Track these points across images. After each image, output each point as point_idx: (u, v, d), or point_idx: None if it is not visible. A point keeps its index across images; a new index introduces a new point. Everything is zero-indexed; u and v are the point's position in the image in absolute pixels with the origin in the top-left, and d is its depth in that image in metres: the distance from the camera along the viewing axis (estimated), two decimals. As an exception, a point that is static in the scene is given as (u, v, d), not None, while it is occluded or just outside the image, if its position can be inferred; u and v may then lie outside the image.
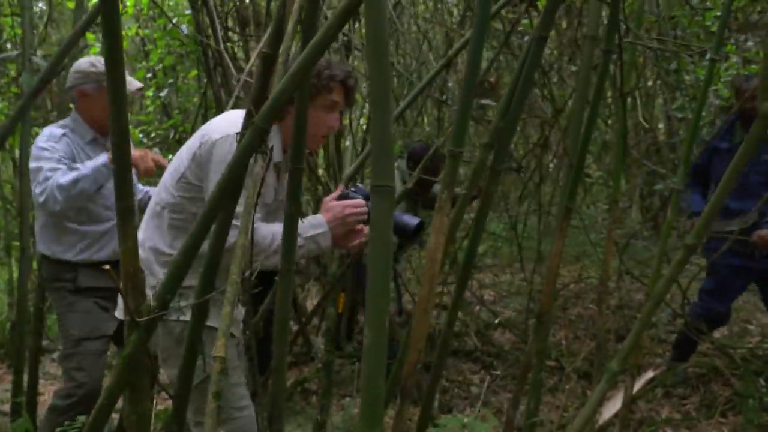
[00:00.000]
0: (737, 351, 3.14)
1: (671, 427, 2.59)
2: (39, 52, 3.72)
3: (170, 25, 3.91)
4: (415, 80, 3.49)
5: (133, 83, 2.34)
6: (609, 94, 4.34)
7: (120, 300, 1.66)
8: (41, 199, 2.15)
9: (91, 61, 2.31)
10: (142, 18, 4.58)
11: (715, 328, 3.01)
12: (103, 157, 2.17)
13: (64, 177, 2.13)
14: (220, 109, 3.39)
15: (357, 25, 3.33)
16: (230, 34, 3.83)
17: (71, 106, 4.33)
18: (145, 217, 1.66)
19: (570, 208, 1.56)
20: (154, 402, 2.24)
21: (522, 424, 1.72)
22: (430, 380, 1.58)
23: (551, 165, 4.88)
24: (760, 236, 2.67)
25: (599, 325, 2.04)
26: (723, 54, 3.80)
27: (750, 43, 4.11)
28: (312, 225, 1.60)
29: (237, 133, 1.15)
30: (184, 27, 3.92)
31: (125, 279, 1.01)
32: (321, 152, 3.46)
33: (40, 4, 5.58)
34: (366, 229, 1.61)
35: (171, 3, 4.51)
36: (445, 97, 3.61)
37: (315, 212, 2.45)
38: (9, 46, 4.49)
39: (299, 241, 1.54)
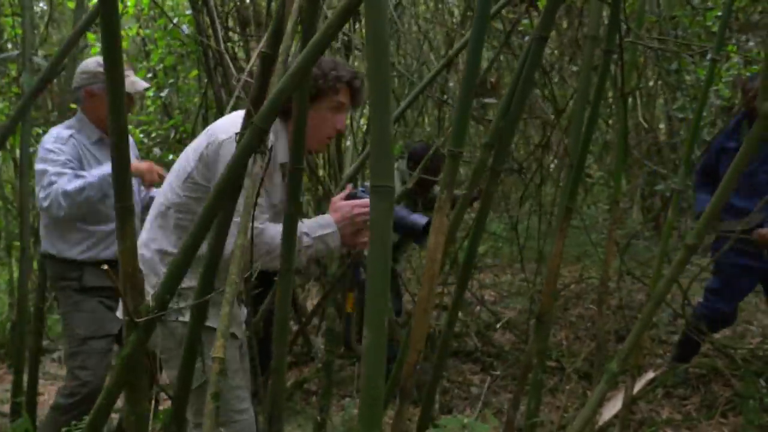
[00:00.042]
0: (738, 351, 3.14)
1: (672, 427, 2.58)
2: (40, 52, 3.73)
3: (171, 25, 3.91)
4: (416, 80, 3.48)
5: (140, 83, 2.37)
6: (610, 94, 4.33)
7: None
8: (45, 203, 2.16)
9: (98, 61, 2.33)
10: (143, 18, 4.59)
11: (720, 328, 2.99)
12: (109, 166, 2.18)
13: (71, 184, 2.15)
14: (220, 109, 3.39)
15: (357, 25, 3.33)
16: (231, 34, 3.83)
17: (73, 106, 4.33)
18: (150, 217, 1.66)
19: (570, 209, 1.56)
20: (157, 402, 2.25)
21: (522, 424, 1.72)
22: (430, 381, 1.58)
23: (552, 165, 4.87)
24: (761, 234, 2.67)
25: (599, 326, 2.04)
26: (724, 54, 3.80)
27: (751, 44, 4.10)
28: (320, 225, 1.59)
29: (236, 133, 1.14)
30: (184, 27, 3.92)
31: (124, 279, 1.01)
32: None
33: (41, 4, 5.58)
34: None
35: (171, 3, 4.51)
36: (445, 97, 3.61)
37: (315, 212, 2.46)
38: (10, 46, 4.50)
39: (308, 241, 1.55)
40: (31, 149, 3.96)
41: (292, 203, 1.21)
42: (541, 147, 3.55)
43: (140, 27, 4.62)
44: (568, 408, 2.76)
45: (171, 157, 4.38)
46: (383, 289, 0.90)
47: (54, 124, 2.75)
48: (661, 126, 5.90)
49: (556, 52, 4.51)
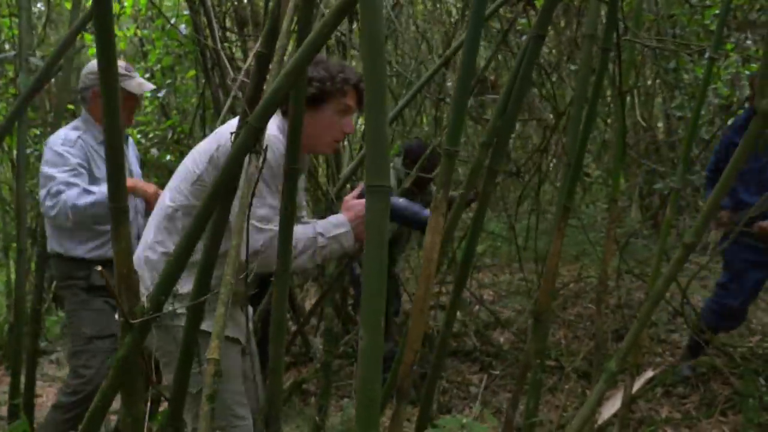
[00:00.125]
0: (737, 350, 3.13)
1: (671, 426, 2.58)
2: (38, 53, 3.72)
3: (168, 26, 3.90)
4: (414, 80, 3.48)
5: (146, 85, 2.39)
6: (608, 93, 4.33)
7: None
8: (52, 212, 2.18)
9: None
10: (140, 18, 4.58)
11: (728, 324, 2.96)
12: None
13: (81, 199, 2.17)
14: (217, 110, 3.38)
15: (354, 25, 3.33)
16: (228, 34, 3.82)
17: (70, 106, 4.32)
18: (154, 220, 1.64)
19: (568, 207, 1.56)
20: (157, 404, 2.25)
21: (521, 423, 1.72)
22: (428, 381, 1.57)
23: (551, 165, 4.87)
24: (761, 227, 2.67)
25: (598, 325, 2.04)
26: (722, 52, 3.80)
27: (749, 42, 4.10)
28: (334, 225, 1.59)
29: (231, 133, 1.14)
30: (182, 27, 3.91)
31: (119, 280, 1.01)
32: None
33: (39, 5, 5.57)
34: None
35: (169, 3, 4.51)
36: (443, 96, 3.60)
37: (313, 212, 2.45)
38: (7, 47, 4.49)
39: (323, 241, 1.54)
40: (29, 150, 3.96)
41: (288, 203, 1.21)
42: (540, 151, 3.55)
43: (138, 27, 4.62)
44: (567, 407, 2.75)
45: (169, 157, 4.37)
46: (380, 289, 0.89)
47: (51, 125, 2.74)
48: (660, 125, 5.90)
49: (554, 51, 4.51)
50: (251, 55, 1.91)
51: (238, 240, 1.00)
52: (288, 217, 1.21)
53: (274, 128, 1.53)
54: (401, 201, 1.63)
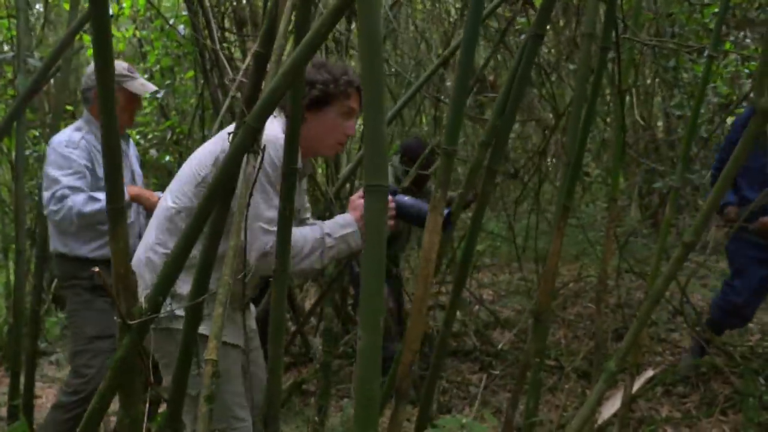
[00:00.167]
0: (737, 349, 3.13)
1: (671, 425, 2.58)
2: (36, 54, 3.71)
3: (167, 27, 3.90)
4: (413, 80, 3.48)
5: (148, 86, 2.40)
6: (608, 91, 4.33)
7: None
8: (56, 217, 2.20)
9: None
10: (139, 19, 4.57)
11: (734, 321, 2.97)
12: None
13: (87, 207, 2.19)
14: (217, 110, 3.38)
15: (353, 25, 3.33)
16: (227, 34, 3.82)
17: (69, 107, 4.28)
18: (155, 221, 1.63)
19: (568, 207, 1.56)
20: (157, 405, 2.24)
21: (521, 423, 1.71)
22: (427, 380, 1.57)
23: (550, 164, 4.87)
24: (763, 223, 2.68)
25: (598, 324, 2.04)
26: (721, 51, 3.79)
27: (748, 40, 4.10)
28: (341, 225, 1.58)
29: (228, 133, 1.13)
30: (181, 28, 3.91)
31: (116, 280, 1.00)
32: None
33: (38, 6, 5.57)
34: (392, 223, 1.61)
35: (168, 4, 4.50)
36: (442, 96, 3.60)
37: (312, 213, 2.43)
38: (6, 48, 4.48)
39: (330, 241, 1.54)
40: (27, 152, 3.96)
41: (286, 204, 1.20)
42: (542, 153, 3.55)
43: (136, 28, 4.61)
44: (567, 407, 2.75)
45: (168, 158, 4.36)
46: (378, 289, 0.89)
47: (50, 126, 2.74)
48: (659, 123, 5.90)
49: (553, 51, 4.51)
50: (250, 55, 1.91)
51: (236, 240, 1.00)
52: (286, 218, 1.21)
53: (279, 131, 1.53)
54: (408, 199, 1.62)
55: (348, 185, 3.03)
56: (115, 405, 1.15)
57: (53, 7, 4.82)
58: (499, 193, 4.90)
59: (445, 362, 3.21)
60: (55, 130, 2.55)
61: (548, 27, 3.99)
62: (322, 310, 3.14)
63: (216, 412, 1.41)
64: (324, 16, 0.98)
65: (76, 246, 2.27)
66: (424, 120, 5.68)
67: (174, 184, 1.63)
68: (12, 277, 3.69)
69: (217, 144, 1.58)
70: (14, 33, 3.53)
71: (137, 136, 4.55)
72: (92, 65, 2.40)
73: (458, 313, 3.67)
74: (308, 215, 1.83)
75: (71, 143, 2.25)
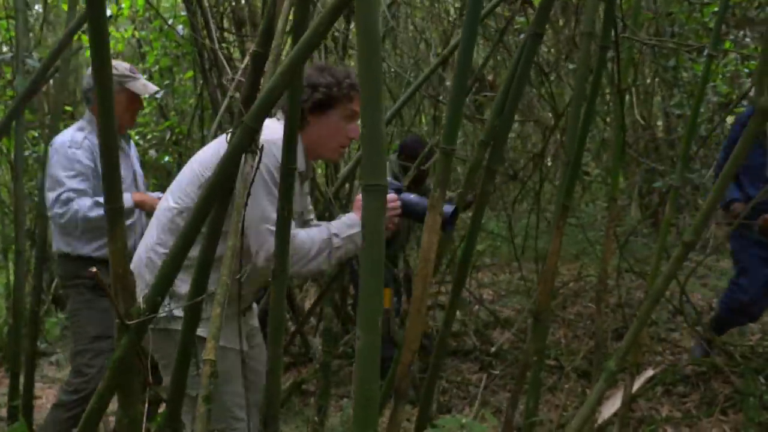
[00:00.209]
0: (737, 348, 3.13)
1: (671, 425, 2.57)
2: (36, 55, 3.71)
3: (166, 27, 3.89)
4: (412, 79, 3.48)
5: (150, 86, 2.41)
6: (607, 91, 4.33)
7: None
8: (62, 220, 2.21)
9: (112, 63, 2.36)
10: (138, 20, 4.57)
11: (740, 319, 2.99)
12: (127, 198, 2.27)
13: (93, 212, 2.20)
14: (216, 111, 3.37)
15: (353, 25, 3.32)
16: (226, 34, 3.82)
17: (68, 108, 4.27)
18: (157, 221, 1.64)
19: (567, 206, 1.55)
20: (157, 405, 2.24)
21: (521, 423, 1.71)
22: (427, 380, 1.56)
23: (550, 163, 4.86)
24: (765, 220, 2.69)
25: (598, 324, 2.03)
26: (721, 50, 3.79)
27: (748, 39, 4.09)
28: (348, 225, 1.58)
29: (226, 133, 1.13)
30: (179, 28, 3.90)
31: (114, 280, 1.00)
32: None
33: (37, 7, 5.57)
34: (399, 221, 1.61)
35: (166, 5, 4.50)
36: (441, 96, 3.60)
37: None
38: (5, 49, 4.48)
39: (338, 242, 1.54)
40: (27, 152, 3.96)
41: (284, 203, 1.20)
42: (540, 155, 3.54)
43: (135, 29, 4.61)
44: (567, 407, 2.75)
45: (167, 158, 4.36)
46: (377, 289, 0.89)
47: (49, 127, 2.73)
48: (659, 123, 5.89)
49: (552, 50, 4.50)
50: (248, 54, 1.91)
51: (234, 241, 1.00)
52: (284, 218, 1.21)
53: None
54: (413, 196, 1.62)
55: (347, 185, 3.03)
56: (114, 405, 1.15)
57: (52, 8, 4.81)
58: (499, 193, 4.89)
59: (444, 362, 3.21)
60: (54, 130, 2.55)
61: (547, 26, 3.99)
62: (321, 309, 3.13)
63: (215, 413, 1.41)
64: (322, 15, 0.98)
65: (79, 245, 2.28)
66: (423, 120, 5.68)
67: (175, 185, 1.63)
68: (12, 278, 3.69)
69: (221, 145, 1.58)
70: (13, 34, 3.52)
71: (136, 137, 4.55)
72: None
73: (458, 312, 3.67)
74: (312, 217, 1.84)
75: (74, 143, 2.26)
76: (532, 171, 3.85)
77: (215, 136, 2.70)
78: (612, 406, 2.18)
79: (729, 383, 2.83)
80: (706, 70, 1.85)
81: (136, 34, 4.62)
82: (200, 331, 1.42)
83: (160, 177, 4.61)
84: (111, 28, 4.49)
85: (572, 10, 3.63)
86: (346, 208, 2.89)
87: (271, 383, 1.29)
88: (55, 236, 2.34)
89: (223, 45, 3.55)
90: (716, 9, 3.51)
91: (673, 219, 2.89)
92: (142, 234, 2.29)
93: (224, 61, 2.83)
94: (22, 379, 2.50)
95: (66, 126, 2.50)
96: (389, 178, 1.70)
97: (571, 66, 4.04)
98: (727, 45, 3.97)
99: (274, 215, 1.48)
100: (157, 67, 4.26)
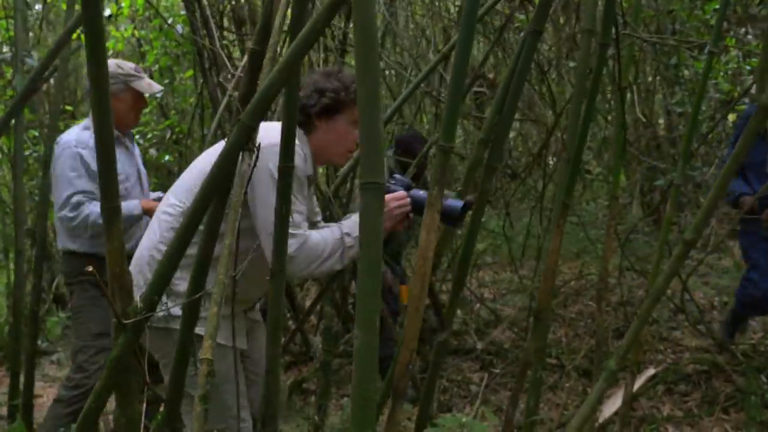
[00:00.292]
0: (739, 347, 3.12)
1: (672, 424, 2.57)
2: (35, 54, 3.71)
3: (166, 26, 3.89)
4: (413, 77, 3.47)
5: (155, 86, 2.43)
6: (609, 89, 4.31)
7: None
8: (72, 223, 2.23)
9: (117, 63, 2.39)
10: (138, 19, 4.57)
11: (754, 312, 3.03)
12: (136, 204, 2.31)
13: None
14: (216, 109, 3.37)
15: (352, 24, 3.31)
16: (225, 33, 3.81)
17: (68, 107, 4.25)
18: (158, 220, 1.63)
19: (567, 205, 1.55)
20: (158, 404, 2.24)
21: (522, 422, 1.70)
22: (427, 379, 1.56)
23: (551, 162, 4.85)
24: None
25: (599, 323, 2.03)
26: (722, 47, 3.77)
27: (750, 36, 4.07)
28: (358, 223, 1.58)
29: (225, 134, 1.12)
30: (179, 27, 3.90)
31: (112, 279, 1.00)
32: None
33: (38, 6, 5.56)
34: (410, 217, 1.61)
35: (166, 4, 4.49)
36: (442, 94, 3.59)
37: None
38: (5, 48, 4.48)
39: (350, 241, 1.54)
40: (28, 152, 3.95)
41: (283, 202, 1.19)
42: (540, 154, 3.53)
43: (135, 28, 4.60)
44: (567, 405, 2.74)
45: (167, 157, 4.35)
46: (374, 289, 0.88)
47: (48, 126, 2.73)
48: (660, 121, 5.87)
49: (553, 48, 4.49)
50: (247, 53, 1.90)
51: (230, 239, 0.99)
52: (282, 217, 1.20)
53: (270, 137, 1.52)
54: (422, 193, 1.61)
55: (348, 184, 3.03)
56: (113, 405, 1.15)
57: (52, 7, 4.81)
58: (500, 193, 4.88)
59: (445, 361, 3.20)
60: (54, 130, 2.54)
61: (548, 24, 3.98)
62: (322, 308, 3.13)
63: (217, 412, 1.41)
64: (319, 12, 0.97)
65: (86, 243, 2.29)
66: (424, 119, 5.67)
67: (179, 184, 1.63)
68: (12, 277, 3.69)
69: None
70: (12, 33, 3.52)
71: (137, 136, 4.54)
72: None
73: (459, 311, 3.66)
74: (319, 218, 1.84)
75: (80, 143, 2.26)
76: (528, 168, 3.84)
77: (215, 134, 2.71)
78: (613, 404, 2.17)
79: (730, 382, 2.82)
80: (707, 67, 1.84)
81: (136, 33, 4.61)
82: (200, 330, 1.41)
83: (161, 176, 4.60)
84: (111, 28, 4.48)
85: (573, 8, 3.62)
86: (345, 207, 2.88)
87: (270, 382, 1.29)
88: (60, 234, 2.35)
89: (224, 44, 3.55)
90: (717, 6, 3.49)
91: (674, 217, 2.88)
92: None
93: (225, 60, 2.83)
94: (22, 378, 2.50)
95: (66, 125, 2.49)
96: (398, 175, 1.70)
97: (572, 64, 4.03)
98: (729, 41, 3.95)
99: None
100: (157, 66, 4.26)
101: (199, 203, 1.06)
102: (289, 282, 3.08)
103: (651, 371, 2.48)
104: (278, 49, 1.13)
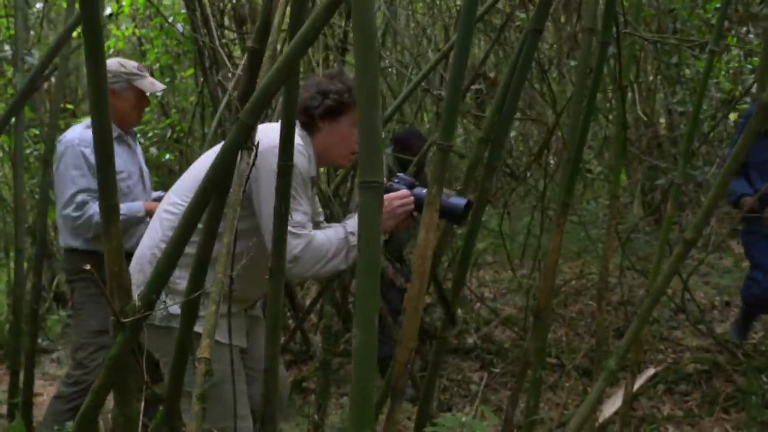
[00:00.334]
0: (740, 347, 3.11)
1: (673, 424, 2.56)
2: (36, 52, 3.71)
3: (166, 25, 3.89)
4: (413, 76, 3.46)
5: (157, 84, 2.43)
6: (610, 87, 4.30)
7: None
8: (76, 222, 2.23)
9: (120, 61, 2.39)
10: (139, 17, 4.56)
11: (761, 312, 3.02)
12: (140, 206, 2.31)
13: None
14: (216, 108, 3.36)
15: (351, 23, 3.31)
16: (226, 32, 3.81)
17: (69, 106, 4.25)
18: (160, 219, 1.63)
19: (567, 204, 1.54)
20: (157, 403, 2.24)
21: (522, 421, 1.70)
22: (427, 378, 1.56)
23: (552, 162, 4.84)
24: None
25: (599, 322, 2.02)
26: (724, 46, 3.76)
27: (751, 35, 4.07)
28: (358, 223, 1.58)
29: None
30: (180, 26, 3.90)
31: (110, 278, 0.99)
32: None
33: (39, 5, 5.56)
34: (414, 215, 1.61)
35: (167, 2, 4.49)
36: (442, 93, 3.58)
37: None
38: (7, 47, 4.48)
39: (354, 240, 1.55)
40: (29, 150, 3.95)
41: (282, 201, 1.19)
42: (540, 153, 3.53)
43: (136, 26, 4.60)
44: (567, 405, 2.74)
45: (168, 156, 4.35)
46: (373, 288, 0.88)
47: (49, 125, 2.73)
48: (662, 120, 5.86)
49: (554, 47, 4.48)
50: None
51: (229, 238, 0.99)
52: (281, 215, 1.20)
53: (297, 138, 1.53)
54: (425, 191, 1.61)
55: (348, 183, 3.02)
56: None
57: (53, 6, 4.81)
58: (501, 192, 4.87)
59: (445, 360, 3.20)
60: (54, 128, 2.54)
61: (549, 22, 3.97)
62: (322, 307, 3.13)
63: (218, 411, 1.41)
64: (318, 11, 0.97)
65: (88, 240, 2.29)
66: (425, 118, 5.66)
67: (182, 183, 1.63)
68: (13, 275, 3.69)
69: None
70: (13, 32, 3.52)
71: (138, 135, 4.54)
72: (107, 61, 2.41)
73: (459, 310, 3.66)
74: (322, 219, 1.84)
75: (84, 141, 2.26)
76: (527, 167, 3.83)
77: (215, 133, 2.71)
78: (613, 404, 2.17)
79: (731, 382, 2.82)
80: (709, 66, 1.84)
81: (137, 31, 4.61)
82: (199, 329, 1.41)
83: (162, 174, 4.60)
84: (112, 26, 4.48)
85: (573, 6, 3.61)
86: (346, 206, 2.88)
87: (269, 381, 1.29)
88: (62, 231, 2.35)
89: (224, 42, 3.55)
90: (718, 5, 3.48)
91: (675, 216, 2.87)
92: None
93: (225, 59, 2.83)
94: (22, 377, 2.51)
95: (67, 124, 2.50)
96: (402, 174, 1.70)
97: (572, 63, 4.02)
98: (730, 40, 3.94)
99: (295, 217, 1.48)
100: (157, 64, 4.25)
101: (198, 202, 1.06)
102: (292, 281, 3.08)
103: (651, 371, 2.48)
104: (277, 48, 1.13)
